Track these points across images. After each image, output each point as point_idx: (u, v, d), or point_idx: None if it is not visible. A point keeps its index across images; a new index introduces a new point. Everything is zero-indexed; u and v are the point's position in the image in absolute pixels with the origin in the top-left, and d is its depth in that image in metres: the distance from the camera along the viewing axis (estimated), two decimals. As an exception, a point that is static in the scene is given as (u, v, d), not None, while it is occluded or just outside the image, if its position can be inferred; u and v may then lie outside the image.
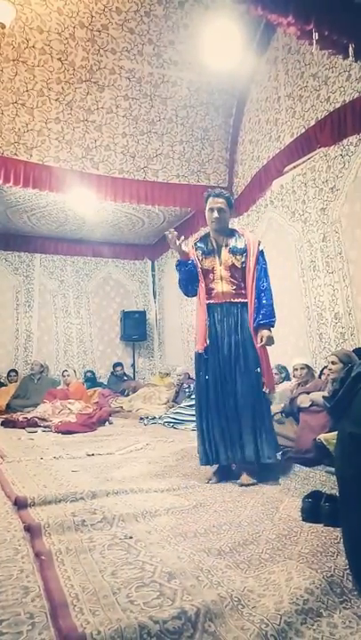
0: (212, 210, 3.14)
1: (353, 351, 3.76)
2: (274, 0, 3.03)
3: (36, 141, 5.76)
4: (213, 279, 3.15)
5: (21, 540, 2.01)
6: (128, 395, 7.71)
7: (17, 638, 1.27)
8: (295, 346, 5.35)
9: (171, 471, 3.26)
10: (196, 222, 7.16)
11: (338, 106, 4.61)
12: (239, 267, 3.12)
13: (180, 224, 7.87)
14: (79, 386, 7.21)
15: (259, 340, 3.01)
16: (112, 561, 1.75)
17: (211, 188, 5.71)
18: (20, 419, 5.80)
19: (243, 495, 2.68)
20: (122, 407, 7.12)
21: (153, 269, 9.77)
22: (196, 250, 3.22)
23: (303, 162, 5.21)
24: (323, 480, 2.87)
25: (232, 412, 3.00)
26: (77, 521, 2.13)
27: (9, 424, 5.76)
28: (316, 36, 3.16)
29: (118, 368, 8.73)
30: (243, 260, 3.12)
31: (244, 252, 3.13)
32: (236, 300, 3.12)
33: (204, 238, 3.28)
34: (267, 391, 3.08)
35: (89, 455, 3.86)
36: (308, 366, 4.45)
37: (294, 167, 5.36)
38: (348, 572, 1.65)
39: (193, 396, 4.51)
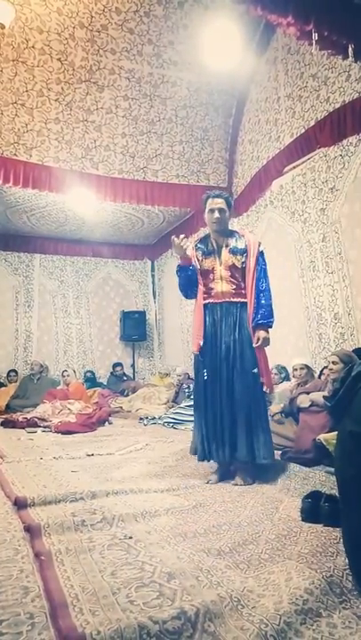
0: (212, 211, 3.14)
1: (353, 351, 3.77)
2: (273, 0, 3.03)
3: (35, 142, 5.76)
4: (213, 279, 3.15)
5: (21, 540, 2.01)
6: (128, 395, 7.71)
7: (17, 638, 1.27)
8: (295, 346, 5.35)
9: (170, 471, 3.26)
10: (195, 222, 7.15)
11: (337, 106, 4.62)
12: (239, 267, 3.13)
13: (179, 224, 7.88)
14: (79, 386, 7.21)
15: (255, 340, 3.03)
16: (112, 561, 1.75)
17: (210, 188, 5.72)
18: (20, 419, 5.79)
19: (242, 495, 2.68)
20: (121, 407, 7.12)
21: (153, 269, 9.77)
22: (196, 251, 3.23)
23: (303, 162, 5.21)
24: (322, 480, 2.87)
25: (227, 411, 3.01)
26: (77, 521, 2.12)
27: (9, 424, 5.76)
28: (315, 36, 3.15)
29: (118, 368, 8.73)
30: (243, 260, 3.13)
31: (244, 252, 3.13)
32: (235, 300, 3.12)
33: (204, 239, 3.29)
34: (267, 391, 3.09)
35: (89, 455, 3.86)
36: (307, 366, 4.45)
37: (294, 167, 5.36)
38: (347, 572, 1.65)
39: (192, 396, 4.51)
